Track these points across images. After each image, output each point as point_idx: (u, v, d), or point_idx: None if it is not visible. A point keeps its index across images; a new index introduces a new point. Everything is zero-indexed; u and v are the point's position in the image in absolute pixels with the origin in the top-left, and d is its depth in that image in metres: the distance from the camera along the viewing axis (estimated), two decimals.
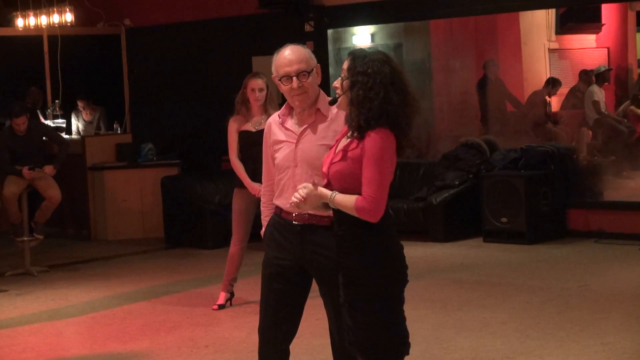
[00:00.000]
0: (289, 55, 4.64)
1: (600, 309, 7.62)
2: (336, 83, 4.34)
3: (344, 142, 4.30)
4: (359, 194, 4.14)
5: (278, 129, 4.77)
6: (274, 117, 4.83)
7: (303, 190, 4.24)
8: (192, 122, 13.31)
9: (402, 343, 4.35)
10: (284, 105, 4.81)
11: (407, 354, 4.39)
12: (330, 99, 4.51)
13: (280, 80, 4.65)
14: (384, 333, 4.28)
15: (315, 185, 4.25)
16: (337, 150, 4.33)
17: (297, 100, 4.66)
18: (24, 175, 10.23)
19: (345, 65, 4.29)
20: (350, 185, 4.19)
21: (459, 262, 9.95)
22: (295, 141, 4.68)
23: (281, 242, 4.70)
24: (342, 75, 4.30)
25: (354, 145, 4.20)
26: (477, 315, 7.61)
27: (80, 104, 13.88)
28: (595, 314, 7.46)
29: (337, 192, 4.19)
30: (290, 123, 4.73)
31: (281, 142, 4.73)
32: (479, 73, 14.52)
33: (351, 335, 4.32)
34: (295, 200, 4.27)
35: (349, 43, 14.39)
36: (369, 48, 14.09)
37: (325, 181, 4.33)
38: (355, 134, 4.20)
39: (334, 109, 4.69)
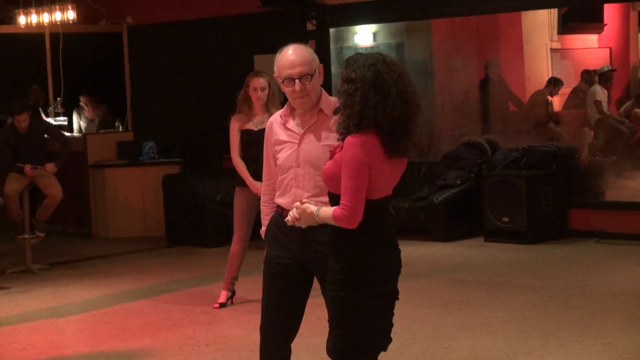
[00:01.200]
0: (292, 56, 4.61)
1: (602, 309, 7.62)
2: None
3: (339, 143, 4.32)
4: (338, 195, 4.18)
5: (280, 129, 4.75)
6: (276, 117, 4.81)
7: (295, 210, 4.31)
8: (194, 121, 13.31)
9: (360, 352, 4.34)
10: (285, 105, 4.79)
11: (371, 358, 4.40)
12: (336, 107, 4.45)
13: (282, 82, 4.64)
14: (342, 335, 4.33)
15: (302, 203, 4.31)
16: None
17: (298, 103, 4.64)
18: (26, 173, 10.24)
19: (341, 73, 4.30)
20: (335, 187, 4.21)
21: (460, 261, 9.96)
22: (297, 142, 4.67)
23: (283, 240, 4.70)
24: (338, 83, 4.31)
25: (339, 148, 4.22)
26: (478, 314, 7.61)
27: (82, 100, 13.86)
28: (597, 314, 7.46)
29: (321, 207, 4.24)
30: (292, 123, 4.72)
31: (283, 142, 4.72)
32: (480, 72, 14.51)
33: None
34: (289, 219, 4.35)
35: (351, 42, 14.38)
36: (370, 48, 14.11)
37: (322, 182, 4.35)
38: (340, 139, 4.23)
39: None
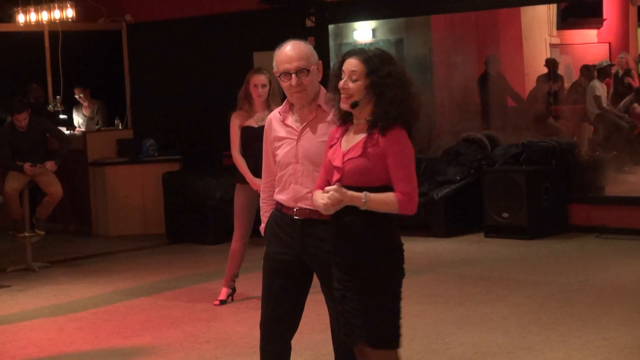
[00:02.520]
0: (289, 51, 4.64)
1: (602, 304, 7.63)
2: (344, 84, 4.31)
3: (357, 138, 4.31)
4: (372, 189, 4.20)
5: (279, 126, 4.77)
6: (275, 114, 4.83)
7: (333, 193, 4.22)
8: (193, 118, 13.31)
9: (399, 332, 4.37)
10: (284, 102, 4.81)
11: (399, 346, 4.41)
12: (352, 101, 4.43)
13: (279, 76, 4.66)
14: (385, 321, 4.31)
15: (340, 187, 4.25)
16: (344, 147, 4.33)
17: (295, 98, 4.66)
18: (26, 171, 10.24)
19: (355, 66, 4.28)
20: (365, 180, 4.23)
21: (460, 257, 9.96)
22: (296, 138, 4.69)
23: (282, 237, 4.71)
24: (353, 77, 4.28)
25: (373, 142, 4.24)
26: (478, 310, 7.61)
27: (77, 92, 13.82)
28: (597, 309, 7.47)
29: (368, 193, 4.22)
30: (291, 120, 4.73)
31: (282, 138, 4.73)
32: (480, 68, 14.50)
33: (347, 326, 4.34)
34: (322, 203, 4.25)
35: (350, 38, 14.38)
36: (369, 44, 14.11)
37: (338, 176, 4.31)
38: (377, 132, 4.24)
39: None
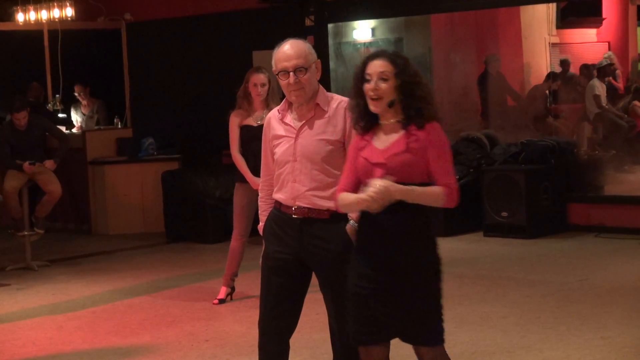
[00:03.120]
0: (288, 50, 4.65)
1: (601, 303, 7.63)
2: (375, 86, 4.26)
3: (393, 136, 4.31)
4: (414, 183, 4.23)
5: (277, 124, 4.78)
6: (274, 112, 4.84)
7: (382, 185, 4.17)
8: (193, 117, 13.30)
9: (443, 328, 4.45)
10: (283, 100, 4.82)
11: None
12: (389, 101, 4.41)
13: (278, 74, 4.67)
14: (436, 318, 4.38)
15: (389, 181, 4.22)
16: (379, 145, 4.31)
17: (293, 96, 4.67)
18: (25, 170, 10.24)
19: (383, 67, 4.26)
20: (409, 176, 4.25)
21: (459, 256, 9.95)
22: (294, 136, 4.69)
23: (281, 236, 4.71)
24: (382, 77, 4.26)
25: (413, 138, 4.26)
26: (477, 309, 7.61)
27: (76, 89, 13.81)
28: (596, 308, 7.47)
29: (415, 186, 4.24)
30: (290, 118, 4.74)
31: (280, 137, 4.74)
32: (479, 67, 14.50)
33: (399, 326, 4.34)
34: (367, 196, 4.17)
35: (350, 37, 14.37)
36: (369, 43, 14.11)
37: (380, 173, 4.27)
38: (415, 128, 4.27)
39: (333, 104, 4.71)
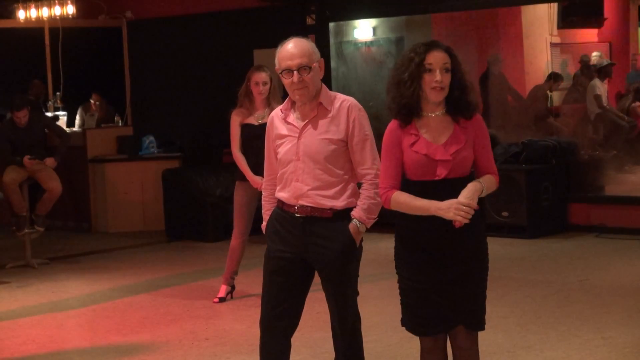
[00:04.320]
0: (292, 48, 4.64)
1: (601, 304, 7.62)
2: (441, 77, 4.28)
3: (447, 130, 4.32)
4: (466, 177, 4.30)
5: (280, 123, 4.77)
6: (277, 112, 4.83)
7: (468, 208, 4.18)
8: (194, 115, 13.31)
9: None
10: (286, 100, 4.81)
11: None
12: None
13: (281, 73, 4.66)
14: (485, 305, 4.49)
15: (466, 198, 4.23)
16: (433, 140, 4.30)
17: (297, 95, 4.66)
18: (25, 164, 10.23)
19: (446, 59, 4.29)
20: (467, 170, 4.34)
21: None
22: (297, 135, 4.69)
23: (284, 235, 4.71)
24: (447, 67, 4.29)
25: (462, 131, 4.32)
26: None
27: (94, 98, 13.80)
28: (596, 308, 7.46)
29: (480, 180, 4.32)
30: (293, 117, 4.74)
31: (284, 136, 4.74)
32: (480, 67, 14.49)
33: (459, 314, 4.39)
34: (460, 220, 4.18)
35: (351, 36, 14.36)
36: (370, 42, 14.10)
37: (445, 170, 4.27)
38: (463, 120, 4.34)
39: (336, 104, 4.70)
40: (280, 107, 4.83)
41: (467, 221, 4.17)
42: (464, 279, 4.34)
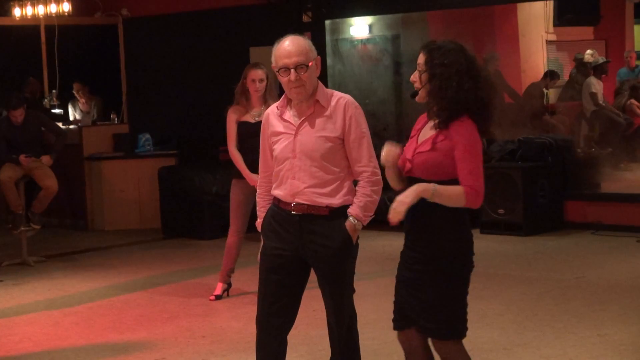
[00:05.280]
0: (289, 46, 4.63)
1: (598, 301, 7.63)
2: (413, 77, 4.34)
3: (430, 132, 4.31)
4: (443, 182, 4.21)
5: (276, 121, 4.77)
6: (272, 109, 4.83)
7: (395, 210, 4.20)
8: (190, 113, 13.30)
9: (464, 324, 4.46)
10: (282, 97, 4.80)
11: (465, 336, 4.49)
12: (412, 91, 4.46)
13: (278, 71, 4.65)
14: (450, 312, 4.37)
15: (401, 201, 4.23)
16: (419, 140, 4.34)
17: (294, 93, 4.66)
18: (21, 162, 10.23)
19: (421, 59, 4.31)
20: (434, 174, 4.24)
21: None
22: (293, 133, 4.68)
23: (280, 232, 4.71)
24: (419, 69, 4.30)
25: (442, 136, 4.25)
26: (474, 306, 7.53)
27: (75, 87, 13.79)
28: (593, 306, 7.47)
29: (437, 185, 4.22)
30: (289, 115, 4.73)
31: (279, 133, 4.73)
32: None
33: (415, 315, 4.37)
34: (398, 210, 4.21)
35: (347, 34, 14.37)
36: (366, 40, 14.09)
37: (408, 167, 4.31)
38: (440, 125, 4.26)
39: (332, 101, 4.70)
40: (276, 104, 4.82)
41: (395, 220, 4.21)
42: (417, 281, 4.33)
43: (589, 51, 14.80)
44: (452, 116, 4.23)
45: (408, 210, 4.23)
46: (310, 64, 4.63)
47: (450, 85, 4.22)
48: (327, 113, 4.67)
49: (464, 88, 4.23)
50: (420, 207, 4.23)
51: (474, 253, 4.45)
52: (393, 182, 4.42)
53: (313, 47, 4.70)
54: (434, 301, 4.33)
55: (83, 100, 13.83)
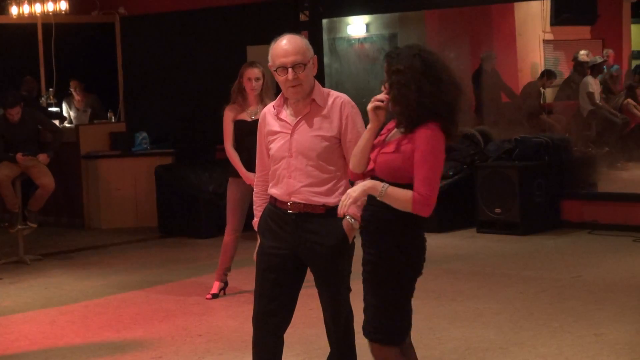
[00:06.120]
0: (286, 45, 4.62)
1: (594, 300, 7.63)
2: (383, 87, 4.34)
3: (397, 134, 4.28)
4: (402, 185, 4.16)
5: (273, 120, 4.77)
6: (269, 108, 4.83)
7: (342, 200, 4.24)
8: (187, 111, 13.30)
9: (399, 332, 4.33)
10: (278, 96, 4.80)
11: (402, 341, 4.38)
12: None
13: (275, 70, 4.64)
14: (385, 318, 4.28)
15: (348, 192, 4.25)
16: (387, 140, 4.31)
17: (291, 92, 4.65)
18: (18, 161, 10.22)
19: (385, 67, 4.29)
20: (394, 176, 4.19)
21: (453, 252, 9.96)
22: (290, 132, 4.68)
23: (276, 231, 4.71)
24: (386, 75, 4.28)
25: (406, 140, 4.20)
26: (470, 305, 7.62)
27: (72, 85, 13.75)
28: (589, 305, 7.47)
29: (388, 185, 4.18)
30: (285, 114, 4.73)
31: (276, 132, 4.73)
32: (474, 64, 14.50)
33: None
34: (344, 202, 4.24)
35: (344, 33, 14.38)
36: (363, 39, 14.10)
37: (371, 166, 4.31)
38: (403, 130, 4.23)
39: (329, 100, 4.70)
40: (273, 103, 4.82)
41: (340, 212, 4.26)
42: (364, 281, 4.33)
43: (582, 51, 14.83)
44: (417, 121, 4.17)
45: (364, 208, 4.26)
46: (307, 63, 4.62)
47: (408, 90, 4.16)
48: (324, 112, 4.67)
49: (425, 92, 4.15)
50: (374, 207, 4.24)
51: (424, 259, 4.37)
52: (361, 159, 4.36)
53: (310, 46, 4.70)
54: (370, 304, 4.30)
55: (79, 97, 13.79)
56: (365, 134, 4.33)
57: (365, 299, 4.35)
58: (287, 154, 4.67)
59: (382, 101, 4.25)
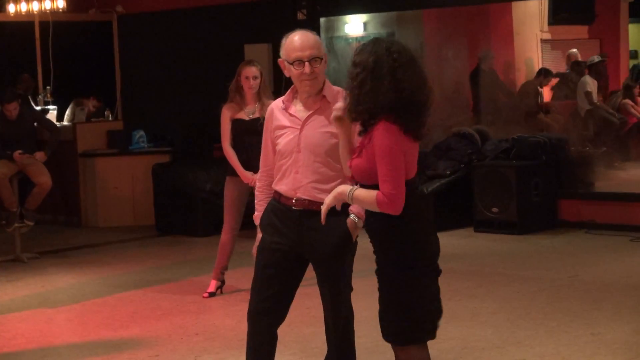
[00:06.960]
0: (302, 39, 4.63)
1: (591, 300, 7.64)
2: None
3: (361, 138, 4.26)
4: (371, 187, 4.13)
5: (281, 115, 4.76)
6: (277, 103, 4.82)
7: (332, 195, 4.27)
8: (184, 110, 13.29)
9: (409, 333, 4.25)
10: (288, 91, 4.80)
11: (424, 340, 4.31)
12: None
13: (292, 64, 4.62)
14: (394, 318, 4.25)
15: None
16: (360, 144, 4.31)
17: (307, 85, 4.64)
18: (15, 159, 10.21)
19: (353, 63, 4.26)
20: (367, 179, 4.17)
21: (450, 252, 9.94)
22: (299, 127, 4.68)
23: (279, 227, 4.70)
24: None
25: (367, 141, 4.17)
26: (467, 304, 7.62)
27: (92, 101, 13.70)
28: (586, 305, 7.48)
29: (356, 188, 4.16)
30: (295, 109, 4.73)
31: (285, 127, 4.72)
32: (471, 63, 14.50)
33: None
34: (322, 211, 4.30)
35: (342, 32, 14.37)
36: (361, 38, 14.10)
37: (350, 173, 4.32)
38: (361, 129, 4.20)
39: (339, 97, 4.68)
40: (281, 98, 4.81)
41: (322, 220, 4.31)
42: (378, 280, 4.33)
43: (573, 50, 14.85)
44: (368, 119, 4.13)
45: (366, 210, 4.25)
46: (323, 57, 4.64)
47: (353, 85, 4.13)
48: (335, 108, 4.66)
49: (364, 90, 4.09)
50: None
51: (428, 258, 4.27)
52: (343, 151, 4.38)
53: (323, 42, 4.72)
54: (381, 303, 4.30)
55: (93, 110, 13.73)
56: (339, 141, 4.36)
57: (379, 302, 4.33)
58: (295, 149, 4.67)
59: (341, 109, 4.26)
